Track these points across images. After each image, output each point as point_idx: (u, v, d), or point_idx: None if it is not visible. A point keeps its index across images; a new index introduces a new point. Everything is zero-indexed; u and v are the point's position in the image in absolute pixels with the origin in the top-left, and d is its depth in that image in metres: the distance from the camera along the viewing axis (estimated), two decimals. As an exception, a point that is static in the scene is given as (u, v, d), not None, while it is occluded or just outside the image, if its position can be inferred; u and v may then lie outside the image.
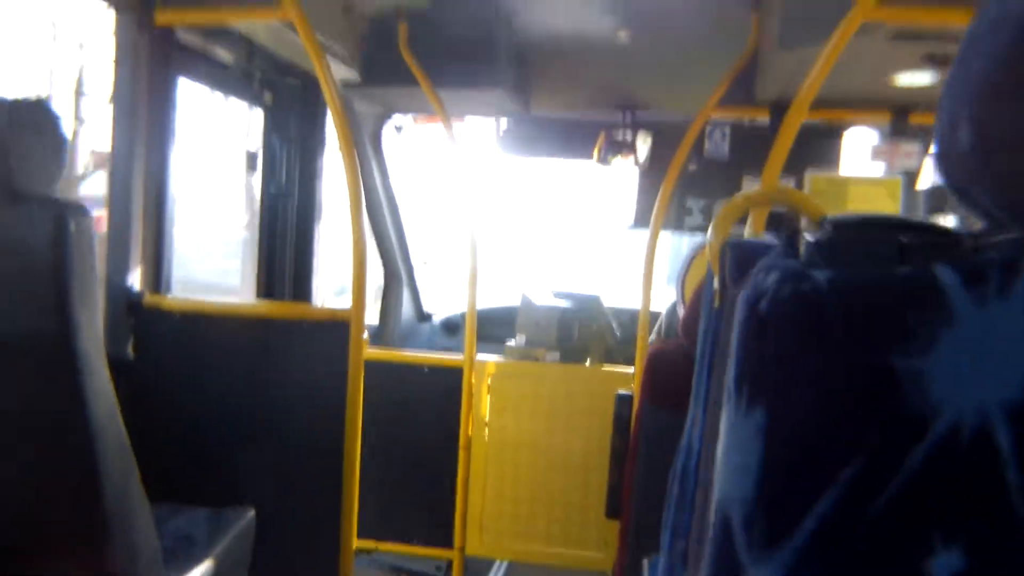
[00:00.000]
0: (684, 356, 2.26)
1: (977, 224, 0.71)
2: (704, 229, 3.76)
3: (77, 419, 1.68)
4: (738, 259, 1.33)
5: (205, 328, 2.64)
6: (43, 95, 1.79)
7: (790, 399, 0.66)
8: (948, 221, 3.33)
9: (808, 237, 0.69)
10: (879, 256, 0.65)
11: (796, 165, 3.04)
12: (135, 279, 2.68)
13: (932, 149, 3.37)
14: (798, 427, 0.66)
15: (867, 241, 0.67)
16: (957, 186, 0.66)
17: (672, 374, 2.35)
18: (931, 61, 2.47)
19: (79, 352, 1.66)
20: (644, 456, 2.40)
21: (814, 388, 0.65)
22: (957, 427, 0.61)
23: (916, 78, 2.65)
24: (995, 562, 0.60)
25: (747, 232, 2.12)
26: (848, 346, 0.64)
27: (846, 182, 3.25)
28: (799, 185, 3.26)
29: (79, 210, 1.66)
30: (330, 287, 4.29)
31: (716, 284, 1.37)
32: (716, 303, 1.37)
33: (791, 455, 0.66)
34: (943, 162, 0.67)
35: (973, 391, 0.61)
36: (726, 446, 0.70)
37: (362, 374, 2.55)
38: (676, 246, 5.21)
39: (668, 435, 2.02)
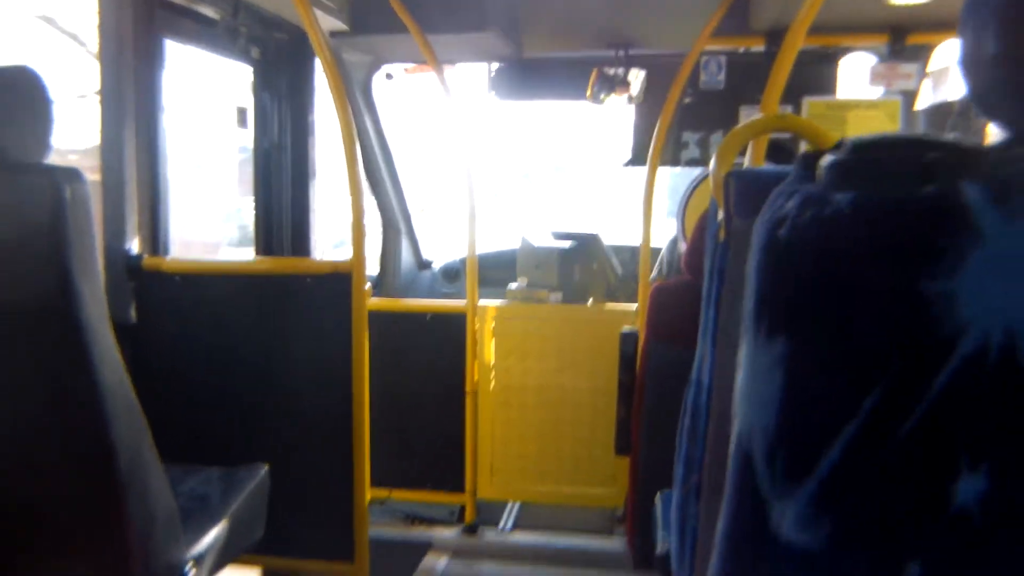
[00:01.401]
0: (688, 291, 2.26)
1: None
2: (701, 162, 3.72)
3: (85, 386, 1.68)
4: (742, 190, 1.31)
5: (206, 288, 2.64)
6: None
7: (813, 327, 0.65)
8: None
9: (827, 159, 0.67)
10: (902, 176, 0.63)
11: (793, 94, 3.00)
12: (133, 242, 2.67)
13: (929, 68, 3.33)
14: (821, 355, 0.64)
15: (889, 161, 0.64)
16: (980, 93, 0.64)
17: (676, 309, 2.35)
18: (927, -20, 2.43)
19: (82, 319, 1.65)
20: (651, 391, 2.41)
21: (838, 315, 0.63)
22: (984, 346, 0.60)
23: None
24: (1019, 483, 0.60)
25: (747, 162, 2.09)
26: (874, 271, 0.62)
27: (844, 106, 3.21)
28: (797, 112, 3.22)
29: (74, 176, 1.64)
30: (328, 240, 4.27)
31: (720, 216, 1.35)
32: (721, 236, 1.36)
33: (814, 384, 0.65)
34: (968, 69, 0.64)
35: (1000, 309, 0.60)
36: (746, 378, 0.69)
37: (366, 325, 2.55)
38: (673, 181, 5.17)
39: (674, 370, 2.02)
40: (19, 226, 1.65)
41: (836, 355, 0.64)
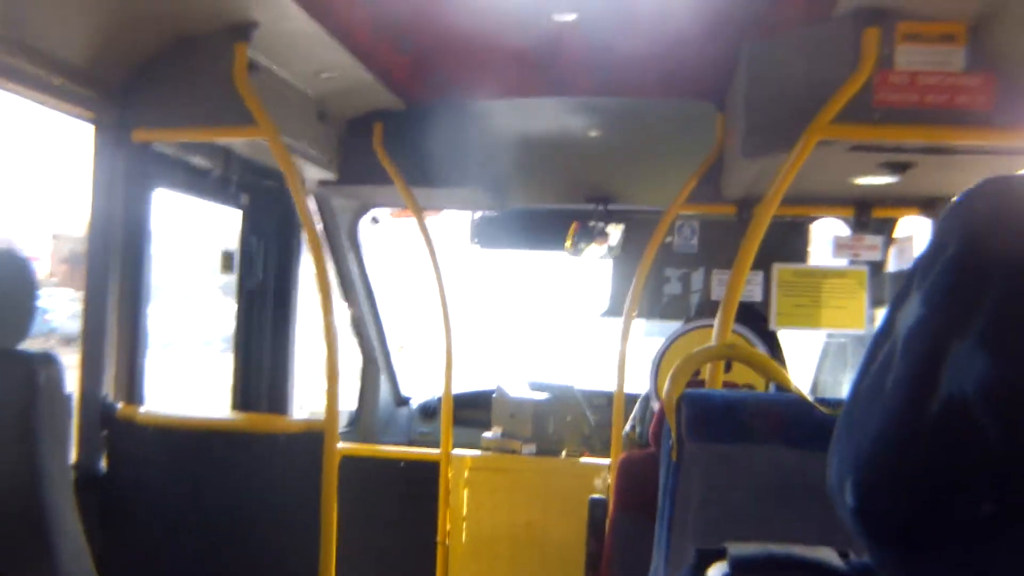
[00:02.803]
0: (654, 464, 2.28)
1: None
2: (680, 305, 3.80)
3: (45, 563, 1.68)
4: (693, 415, 1.37)
5: (178, 441, 2.64)
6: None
7: None
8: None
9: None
10: None
11: (764, 259, 3.09)
12: (109, 390, 2.68)
13: (895, 236, 3.44)
14: None
15: None
16: (853, 535, 0.69)
17: (643, 482, 2.37)
18: (888, 167, 2.53)
19: (48, 502, 1.66)
20: (617, 562, 2.42)
21: None
22: None
23: (875, 179, 2.71)
24: None
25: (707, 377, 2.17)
26: None
27: (813, 273, 3.28)
28: (767, 278, 3.30)
29: (47, 360, 1.67)
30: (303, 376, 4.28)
31: (673, 437, 1.40)
32: (673, 456, 1.41)
33: None
34: (840, 512, 0.69)
35: None
36: None
37: (336, 483, 2.55)
38: (649, 327, 5.25)
39: (641, 542, 2.03)
40: None
41: None
